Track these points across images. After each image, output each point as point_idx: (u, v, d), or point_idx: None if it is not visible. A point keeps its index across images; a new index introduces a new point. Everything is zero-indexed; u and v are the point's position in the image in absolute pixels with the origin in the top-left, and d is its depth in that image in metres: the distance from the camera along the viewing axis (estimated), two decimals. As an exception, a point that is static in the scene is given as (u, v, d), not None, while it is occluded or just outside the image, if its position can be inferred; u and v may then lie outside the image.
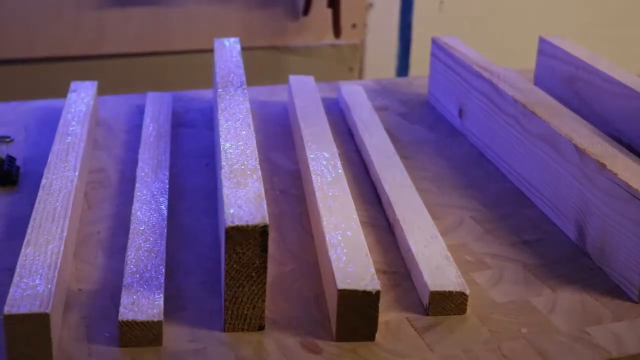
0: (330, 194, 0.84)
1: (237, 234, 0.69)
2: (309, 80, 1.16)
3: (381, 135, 1.03)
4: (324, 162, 0.90)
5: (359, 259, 0.74)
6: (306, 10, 2.03)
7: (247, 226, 0.69)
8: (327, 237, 0.77)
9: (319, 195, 0.84)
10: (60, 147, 0.93)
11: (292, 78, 1.16)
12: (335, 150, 0.94)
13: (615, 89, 1.04)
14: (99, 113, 1.13)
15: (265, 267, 0.70)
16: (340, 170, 0.89)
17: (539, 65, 1.21)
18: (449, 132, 1.13)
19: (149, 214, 0.84)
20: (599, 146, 0.86)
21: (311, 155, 0.92)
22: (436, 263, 0.78)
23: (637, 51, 2.07)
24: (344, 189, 0.85)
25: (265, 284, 0.71)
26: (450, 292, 0.75)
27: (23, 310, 0.66)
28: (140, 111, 1.13)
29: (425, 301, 0.75)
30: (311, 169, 0.89)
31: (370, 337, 0.72)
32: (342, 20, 2.04)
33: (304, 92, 1.11)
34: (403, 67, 2.28)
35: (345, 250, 0.75)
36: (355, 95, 1.14)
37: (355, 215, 0.81)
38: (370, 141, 1.01)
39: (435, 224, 0.86)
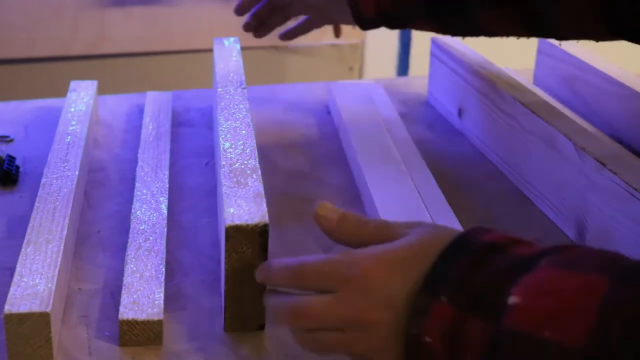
0: None
1: (237, 233, 0.69)
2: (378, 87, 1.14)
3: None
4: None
5: None
6: (306, 10, 2.03)
7: (247, 225, 0.69)
8: None
9: None
10: (60, 146, 0.93)
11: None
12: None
13: (615, 89, 1.04)
14: (99, 112, 1.13)
15: (265, 266, 0.70)
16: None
17: (539, 65, 1.21)
18: (449, 131, 1.13)
19: (149, 213, 0.84)
20: (598, 146, 0.86)
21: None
22: None
23: (637, 51, 2.06)
24: None
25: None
26: None
27: (23, 309, 0.66)
28: (140, 111, 1.13)
29: None
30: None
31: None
32: (342, 20, 2.04)
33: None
34: (403, 67, 2.28)
35: None
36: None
37: None
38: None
39: (435, 224, 0.86)
